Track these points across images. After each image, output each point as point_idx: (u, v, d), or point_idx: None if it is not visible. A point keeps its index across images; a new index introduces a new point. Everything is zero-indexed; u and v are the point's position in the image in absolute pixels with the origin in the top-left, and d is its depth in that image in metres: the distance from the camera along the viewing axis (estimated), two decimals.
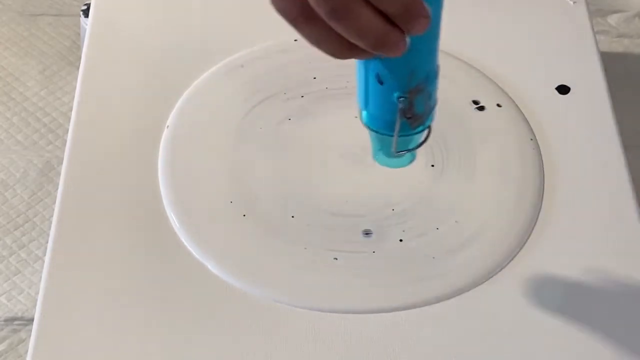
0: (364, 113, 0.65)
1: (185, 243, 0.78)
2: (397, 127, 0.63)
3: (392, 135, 0.65)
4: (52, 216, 0.79)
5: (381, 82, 0.61)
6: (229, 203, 0.80)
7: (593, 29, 0.96)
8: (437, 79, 0.63)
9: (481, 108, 0.88)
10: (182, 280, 0.76)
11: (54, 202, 0.80)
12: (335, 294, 0.76)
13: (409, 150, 0.67)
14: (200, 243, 0.78)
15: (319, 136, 0.85)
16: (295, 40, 0.92)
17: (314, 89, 0.89)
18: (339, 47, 0.56)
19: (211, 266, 0.76)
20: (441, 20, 0.59)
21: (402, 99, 0.61)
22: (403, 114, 0.62)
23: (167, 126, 0.85)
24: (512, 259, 0.78)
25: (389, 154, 0.67)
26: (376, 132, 0.66)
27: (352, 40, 0.55)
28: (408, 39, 0.56)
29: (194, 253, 0.77)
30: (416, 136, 0.66)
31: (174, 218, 0.79)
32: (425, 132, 0.66)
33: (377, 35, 0.55)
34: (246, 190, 0.81)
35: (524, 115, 0.88)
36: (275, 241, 0.78)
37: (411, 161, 0.70)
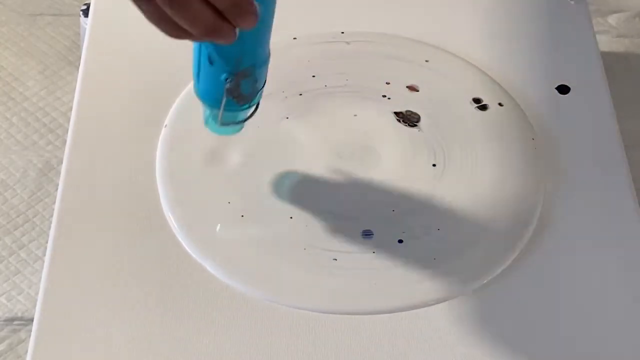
0: (197, 87, 0.71)
1: (184, 243, 0.77)
2: (223, 103, 0.70)
3: (219, 109, 0.71)
4: (52, 216, 0.79)
5: (211, 63, 0.68)
6: (227, 203, 0.80)
7: (593, 29, 0.96)
8: (266, 65, 0.70)
9: (482, 107, 0.88)
10: (181, 280, 0.75)
11: (54, 202, 0.80)
12: (335, 295, 0.75)
13: (235, 124, 0.74)
14: (199, 243, 0.77)
15: (318, 135, 0.85)
16: (295, 38, 0.92)
17: (312, 87, 0.88)
18: (175, 29, 0.60)
19: (209, 267, 0.76)
20: (273, 15, 0.66)
21: (229, 80, 0.68)
22: (229, 93, 0.69)
23: (165, 125, 0.85)
24: (513, 260, 0.78)
25: (217, 123, 0.74)
26: (207, 105, 0.73)
27: (184, 27, 0.59)
28: (237, 31, 0.61)
29: (192, 254, 0.77)
30: (242, 112, 0.73)
31: (172, 218, 0.79)
32: (252, 108, 0.73)
33: (207, 25, 0.59)
34: (244, 190, 0.81)
35: (525, 114, 0.88)
36: (274, 242, 0.78)
37: (238, 131, 0.76)
